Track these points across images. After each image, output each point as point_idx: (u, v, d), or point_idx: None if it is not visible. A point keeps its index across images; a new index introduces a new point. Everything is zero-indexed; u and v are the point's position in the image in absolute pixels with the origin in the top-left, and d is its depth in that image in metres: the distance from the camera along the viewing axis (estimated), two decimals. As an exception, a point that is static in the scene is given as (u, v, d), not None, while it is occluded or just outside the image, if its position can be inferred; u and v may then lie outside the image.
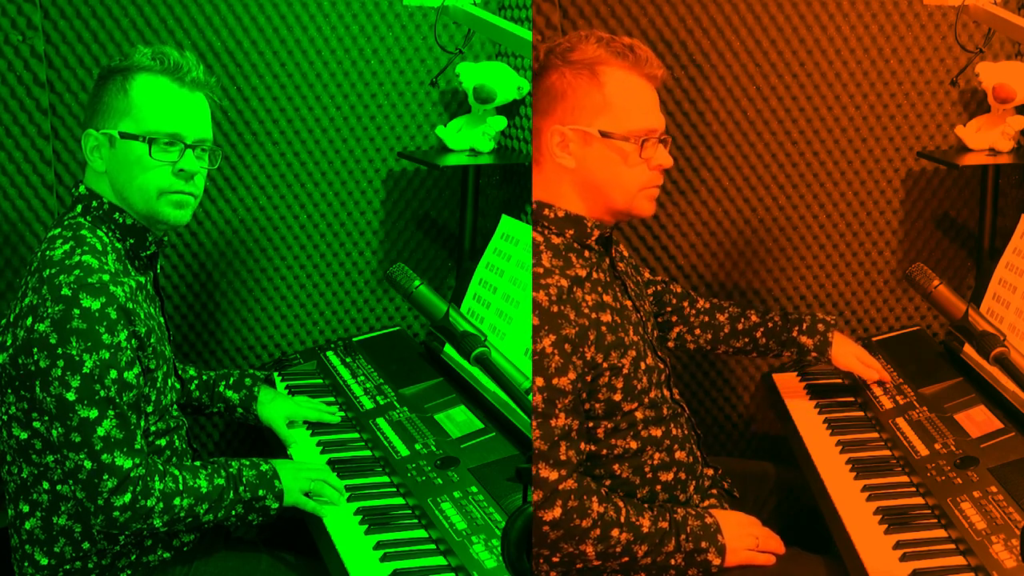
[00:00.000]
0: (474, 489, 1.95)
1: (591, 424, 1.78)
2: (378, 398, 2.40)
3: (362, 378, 2.53)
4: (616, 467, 1.81)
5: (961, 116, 2.61)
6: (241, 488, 1.90)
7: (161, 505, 1.80)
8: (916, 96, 2.59)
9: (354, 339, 2.77)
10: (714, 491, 1.99)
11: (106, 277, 1.77)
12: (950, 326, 1.80)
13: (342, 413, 2.36)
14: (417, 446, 2.15)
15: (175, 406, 2.03)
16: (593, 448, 1.79)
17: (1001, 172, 2.54)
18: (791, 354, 2.28)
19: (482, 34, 2.54)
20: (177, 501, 1.82)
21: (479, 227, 2.77)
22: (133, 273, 1.90)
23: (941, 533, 1.81)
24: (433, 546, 1.83)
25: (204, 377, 2.33)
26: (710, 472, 2.02)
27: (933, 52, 2.56)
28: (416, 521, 1.92)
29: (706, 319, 2.29)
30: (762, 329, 2.26)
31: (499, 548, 1.74)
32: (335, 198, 2.78)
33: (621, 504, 1.73)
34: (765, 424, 2.81)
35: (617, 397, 1.77)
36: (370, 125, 2.75)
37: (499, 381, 1.58)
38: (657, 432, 1.85)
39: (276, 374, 2.64)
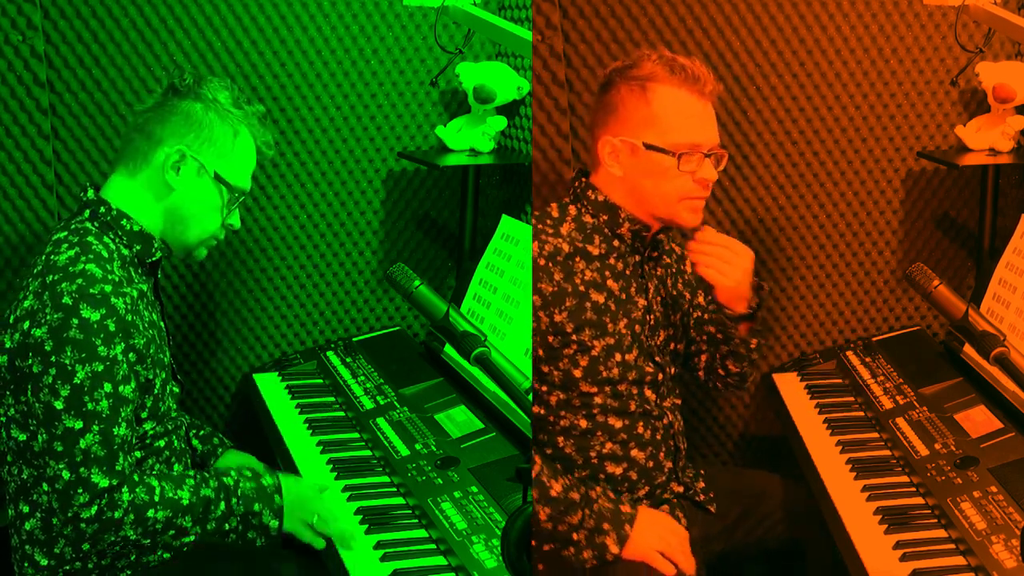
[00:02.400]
0: (474, 489, 1.95)
1: (544, 388, 1.84)
2: (378, 398, 2.40)
3: (362, 378, 2.53)
4: (560, 440, 1.85)
5: (961, 116, 2.61)
6: (234, 500, 1.84)
7: (132, 516, 1.74)
8: (916, 96, 2.59)
9: (354, 339, 2.77)
10: (673, 501, 1.96)
11: (108, 288, 1.76)
12: (950, 326, 1.80)
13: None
14: (417, 446, 2.15)
15: (175, 408, 2.03)
16: (541, 411, 1.84)
17: (1001, 172, 2.54)
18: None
19: (482, 34, 2.54)
20: (151, 513, 1.76)
21: (479, 227, 2.77)
22: (137, 280, 1.90)
23: (941, 533, 1.81)
24: (433, 546, 1.83)
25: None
26: (679, 488, 1.98)
27: (933, 52, 2.56)
28: (416, 521, 1.92)
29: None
30: None
31: (499, 548, 1.74)
32: (335, 198, 2.78)
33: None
34: (764, 426, 2.81)
35: (577, 373, 1.83)
36: (370, 125, 2.75)
37: (499, 381, 1.58)
38: (615, 423, 1.88)
39: (276, 374, 2.64)
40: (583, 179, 1.92)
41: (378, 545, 1.82)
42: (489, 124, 2.68)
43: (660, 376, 1.95)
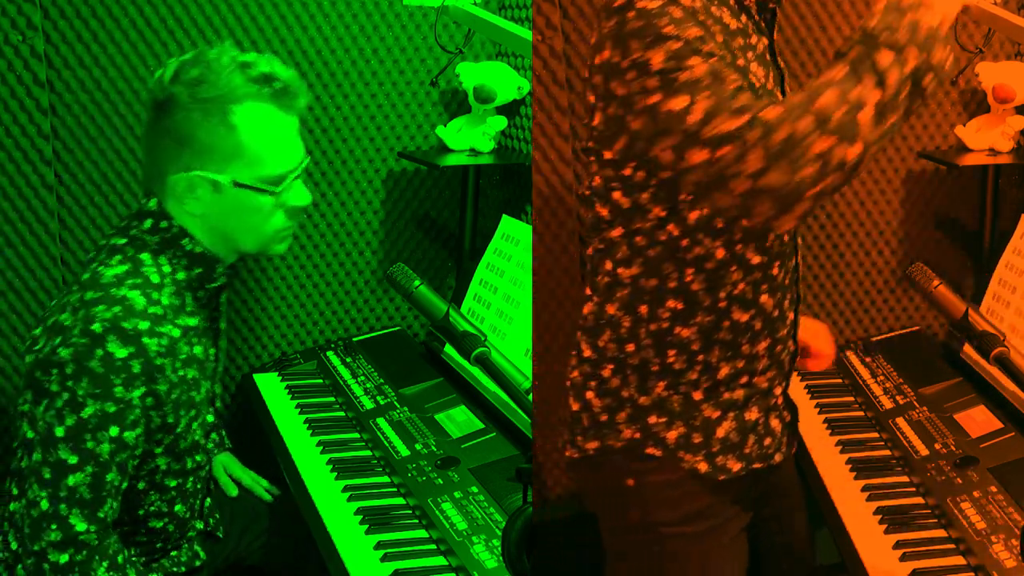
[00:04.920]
0: (474, 489, 1.96)
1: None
2: (378, 398, 2.41)
3: (362, 378, 2.53)
4: (690, 272, 1.50)
5: (961, 116, 2.61)
6: None
7: None
8: (916, 96, 2.59)
9: (354, 339, 2.77)
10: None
11: (144, 325, 1.63)
12: (950, 326, 1.80)
13: (275, 490, 2.30)
14: (417, 446, 2.15)
15: (204, 444, 1.91)
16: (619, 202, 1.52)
17: (1001, 172, 2.54)
18: None
19: (482, 34, 2.54)
20: None
21: (479, 227, 2.77)
22: (189, 309, 1.76)
23: (941, 533, 1.81)
24: (433, 546, 1.83)
25: None
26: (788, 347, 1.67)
27: (933, 52, 2.56)
28: (416, 521, 1.92)
29: None
30: None
31: (499, 548, 1.74)
32: (335, 198, 2.78)
33: None
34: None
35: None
36: (370, 125, 2.75)
37: (499, 381, 1.58)
38: (753, 258, 1.50)
39: (276, 374, 2.64)
40: None
41: (378, 545, 1.82)
42: (489, 124, 2.68)
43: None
